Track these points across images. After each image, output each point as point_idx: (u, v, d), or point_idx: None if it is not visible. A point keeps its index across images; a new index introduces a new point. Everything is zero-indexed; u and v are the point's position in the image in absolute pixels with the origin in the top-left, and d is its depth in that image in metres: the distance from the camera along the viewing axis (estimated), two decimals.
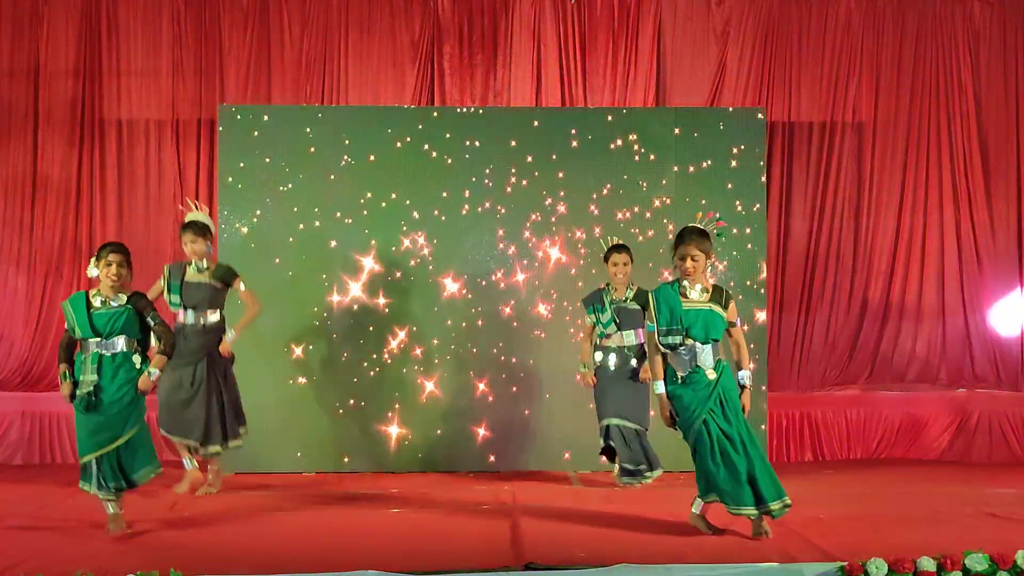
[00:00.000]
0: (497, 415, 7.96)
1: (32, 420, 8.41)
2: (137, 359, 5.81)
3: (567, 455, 7.87)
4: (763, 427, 7.95)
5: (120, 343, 5.76)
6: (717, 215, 6.01)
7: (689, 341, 5.64)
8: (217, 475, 7.04)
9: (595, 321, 7.25)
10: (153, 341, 5.93)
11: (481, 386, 7.97)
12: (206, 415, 6.85)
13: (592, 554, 5.14)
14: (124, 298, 5.80)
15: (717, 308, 5.67)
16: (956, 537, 5.41)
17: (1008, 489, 7.17)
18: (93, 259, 5.82)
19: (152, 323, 5.85)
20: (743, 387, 5.75)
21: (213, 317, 6.99)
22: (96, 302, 5.77)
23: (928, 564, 4.80)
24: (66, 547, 5.41)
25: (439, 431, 7.94)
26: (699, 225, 5.75)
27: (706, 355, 5.65)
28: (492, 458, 7.94)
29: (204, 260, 6.95)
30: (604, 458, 7.32)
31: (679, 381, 5.65)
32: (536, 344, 7.99)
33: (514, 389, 7.97)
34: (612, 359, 7.20)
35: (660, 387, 5.71)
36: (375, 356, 7.92)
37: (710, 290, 5.70)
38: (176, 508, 6.50)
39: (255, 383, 7.74)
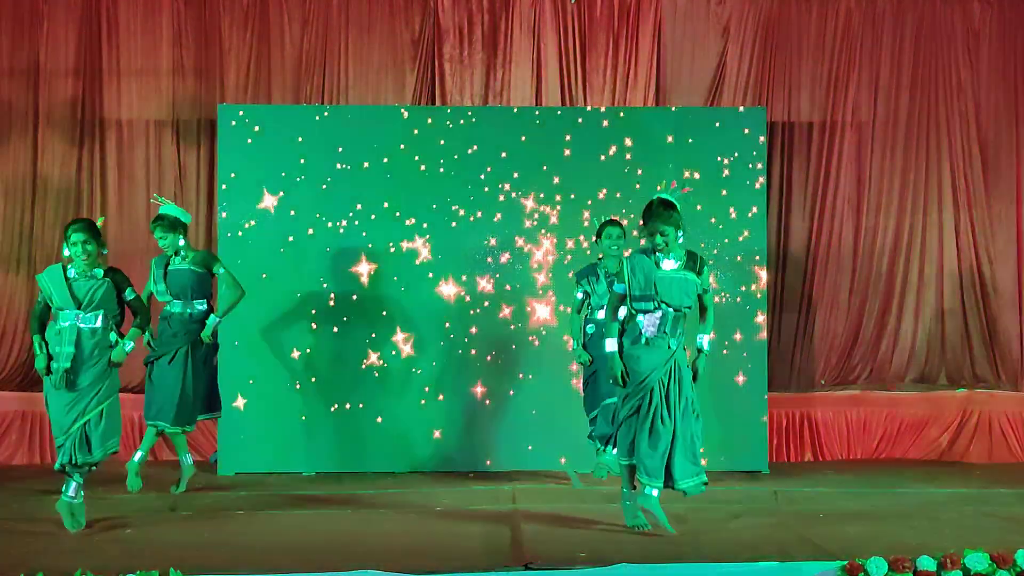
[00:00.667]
0: (496, 416, 7.95)
1: (32, 420, 8.40)
2: (113, 335, 5.90)
3: (566, 456, 7.86)
4: (763, 422, 7.96)
5: (99, 318, 5.83)
6: (684, 189, 6.03)
7: (663, 306, 5.68)
8: (188, 471, 7.05)
9: (590, 292, 7.20)
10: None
11: (480, 388, 7.96)
12: (179, 398, 6.87)
13: (592, 554, 5.15)
14: (101, 272, 5.87)
15: (691, 275, 5.74)
16: (956, 537, 5.42)
17: (1008, 489, 7.18)
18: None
19: (128, 297, 5.94)
20: (699, 351, 5.81)
21: (200, 307, 7.03)
22: (72, 273, 5.83)
23: (928, 563, 4.80)
24: (66, 547, 5.42)
25: (438, 432, 7.94)
26: (665, 196, 5.76)
27: (675, 324, 5.71)
28: (492, 459, 7.93)
29: (182, 251, 6.97)
30: (604, 448, 7.16)
31: (643, 343, 5.70)
32: (534, 346, 7.98)
33: (511, 392, 7.97)
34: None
35: (612, 345, 5.77)
36: (374, 358, 7.91)
37: (684, 257, 5.76)
38: (176, 508, 6.51)
39: (254, 385, 7.77)
